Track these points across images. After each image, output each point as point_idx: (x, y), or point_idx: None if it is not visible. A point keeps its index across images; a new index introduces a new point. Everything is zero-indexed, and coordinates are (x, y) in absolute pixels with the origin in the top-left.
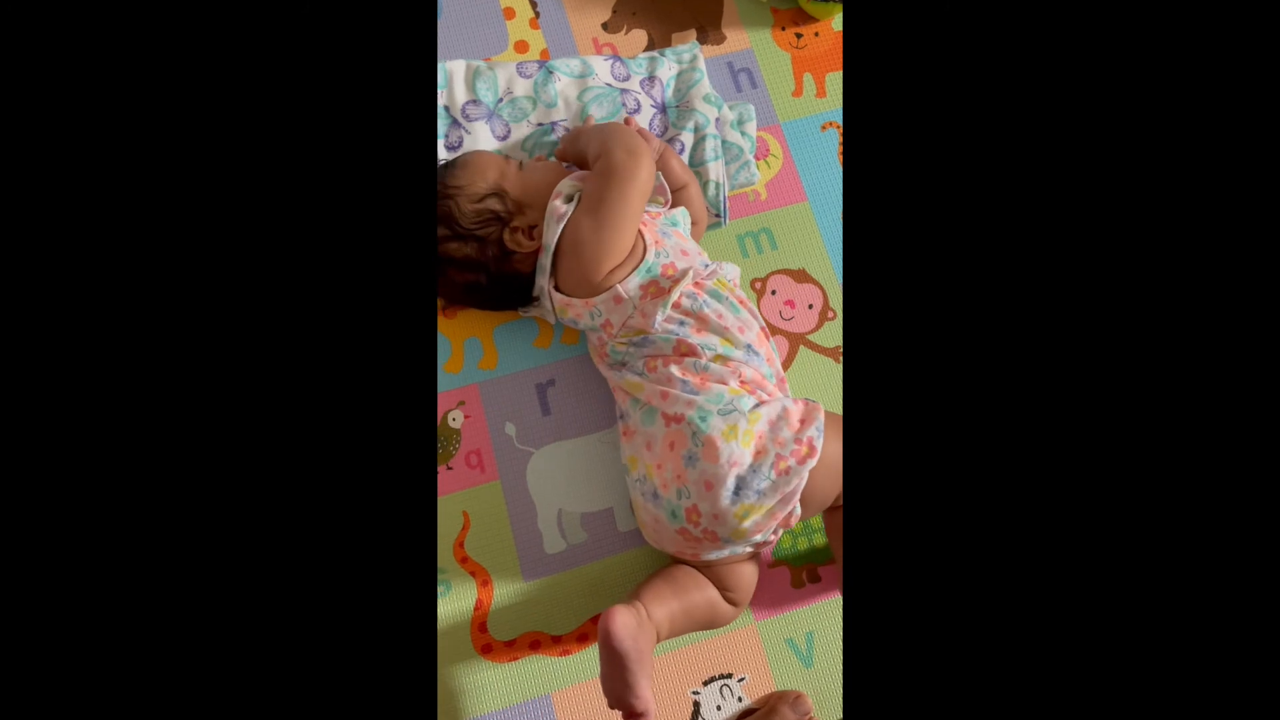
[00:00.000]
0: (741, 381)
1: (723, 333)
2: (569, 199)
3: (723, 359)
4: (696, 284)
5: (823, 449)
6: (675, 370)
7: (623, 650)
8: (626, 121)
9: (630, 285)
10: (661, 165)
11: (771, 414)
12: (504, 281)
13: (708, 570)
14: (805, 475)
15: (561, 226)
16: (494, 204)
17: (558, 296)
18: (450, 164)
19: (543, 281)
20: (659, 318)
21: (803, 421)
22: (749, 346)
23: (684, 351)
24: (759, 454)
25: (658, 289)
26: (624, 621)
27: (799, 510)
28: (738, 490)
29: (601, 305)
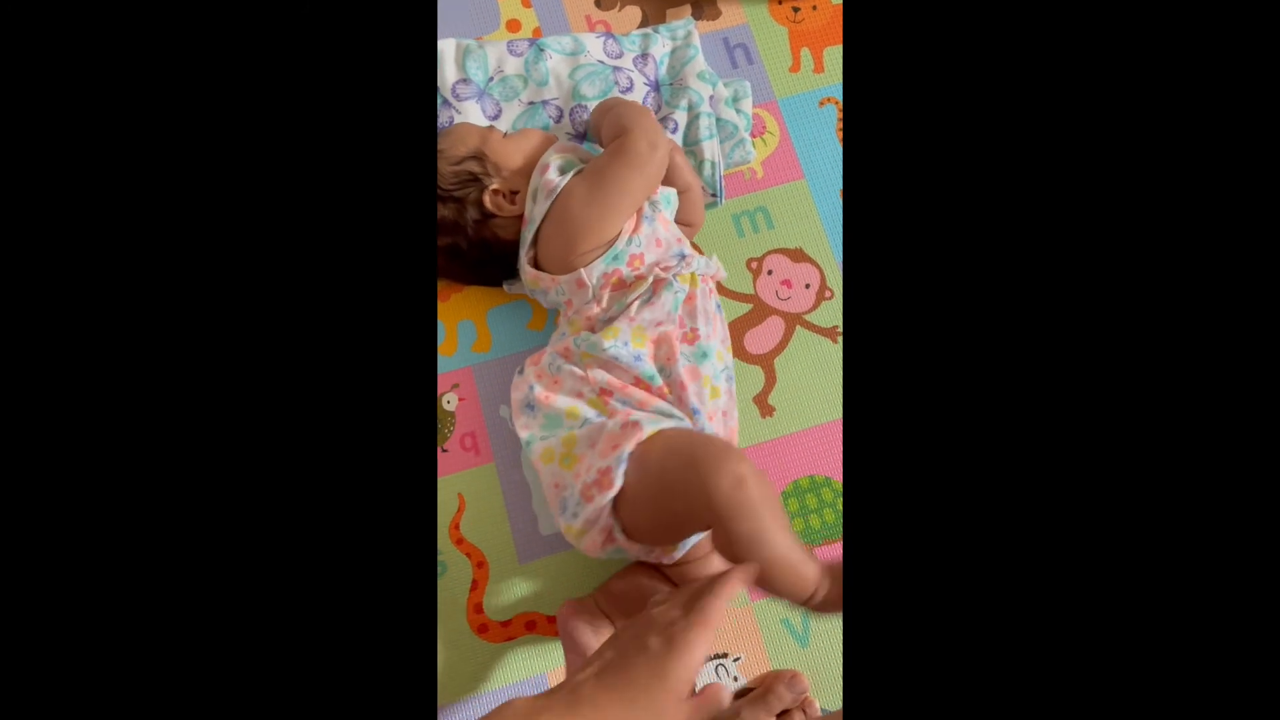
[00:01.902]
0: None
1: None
2: (562, 171)
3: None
4: (656, 281)
5: (626, 482)
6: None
7: (565, 644)
8: None
9: (594, 271)
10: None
11: (589, 434)
12: (484, 247)
13: (673, 570)
14: (606, 503)
15: (552, 200)
16: (472, 166)
17: (528, 270)
18: None
19: (521, 253)
20: (602, 313)
21: (614, 448)
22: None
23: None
24: (576, 476)
25: (620, 281)
26: (563, 614)
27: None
28: (564, 510)
29: (565, 285)
